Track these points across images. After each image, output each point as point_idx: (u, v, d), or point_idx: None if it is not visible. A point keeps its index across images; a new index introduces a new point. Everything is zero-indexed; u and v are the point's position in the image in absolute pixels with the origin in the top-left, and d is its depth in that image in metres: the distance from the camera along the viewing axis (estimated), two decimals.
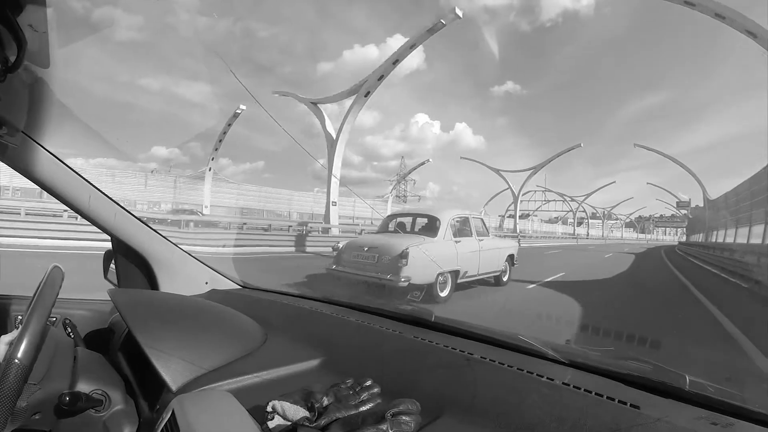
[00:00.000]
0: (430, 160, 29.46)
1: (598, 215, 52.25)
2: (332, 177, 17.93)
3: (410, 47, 14.91)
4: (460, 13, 13.29)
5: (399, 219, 6.67)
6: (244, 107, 19.43)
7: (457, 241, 5.77)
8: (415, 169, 32.58)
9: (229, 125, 20.29)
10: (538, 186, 46.33)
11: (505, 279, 6.94)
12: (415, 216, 6.58)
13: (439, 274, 5.29)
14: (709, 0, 11.37)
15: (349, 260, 5.49)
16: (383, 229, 6.61)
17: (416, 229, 6.23)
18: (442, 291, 5.40)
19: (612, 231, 55.52)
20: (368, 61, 75.06)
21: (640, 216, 58.89)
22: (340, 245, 5.76)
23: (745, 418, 0.57)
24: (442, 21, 13.54)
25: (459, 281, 5.69)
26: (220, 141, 21.19)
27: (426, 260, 5.02)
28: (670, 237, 61.61)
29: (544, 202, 47.39)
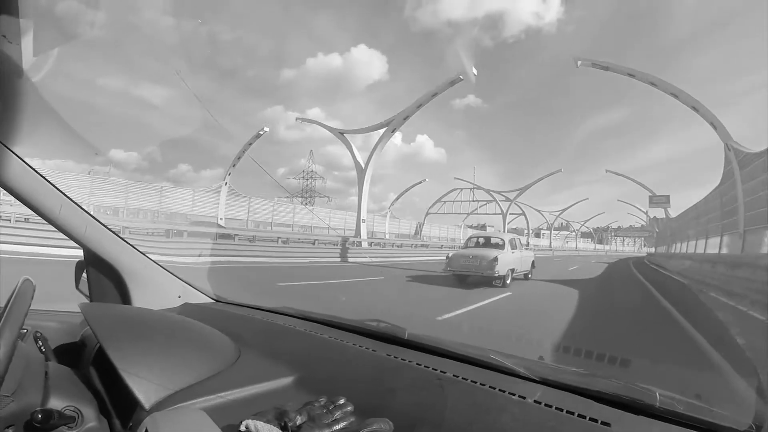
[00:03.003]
0: (266, 129, 21.94)
1: (556, 225, 48.02)
2: None
3: None
4: None
5: (476, 239, 11.11)
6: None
7: (513, 252, 10.15)
8: (251, 144, 22.53)
9: None
10: (456, 178, 36.88)
11: (530, 276, 11.37)
12: (486, 236, 11.02)
13: (507, 270, 9.58)
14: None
15: (458, 264, 9.75)
16: (466, 245, 11.01)
17: (487, 245, 10.54)
18: (507, 279, 9.69)
19: (567, 242, 53.57)
20: (331, 69, 77.02)
21: (597, 227, 54.83)
22: (450, 255, 9.99)
23: None
24: None
25: (513, 276, 10.06)
26: None
27: (504, 262, 9.34)
28: (630, 248, 58.32)
29: (475, 204, 36.53)
